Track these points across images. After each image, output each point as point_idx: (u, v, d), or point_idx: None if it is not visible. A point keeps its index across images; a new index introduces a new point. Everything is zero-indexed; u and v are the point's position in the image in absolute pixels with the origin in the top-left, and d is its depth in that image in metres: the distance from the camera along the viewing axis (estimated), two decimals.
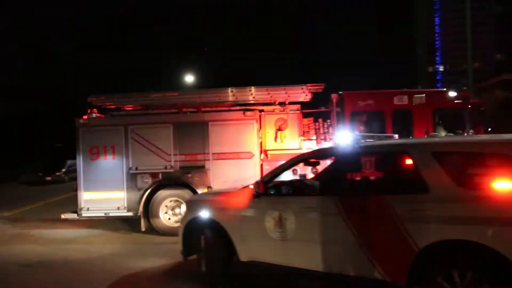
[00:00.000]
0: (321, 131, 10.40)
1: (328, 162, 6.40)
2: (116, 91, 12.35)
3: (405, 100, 10.12)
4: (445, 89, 10.53)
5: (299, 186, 5.91)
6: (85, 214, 10.17)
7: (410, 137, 9.63)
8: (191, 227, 6.43)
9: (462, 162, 4.49)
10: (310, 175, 6.91)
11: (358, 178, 5.35)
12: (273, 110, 10.46)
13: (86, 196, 10.20)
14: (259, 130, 10.16)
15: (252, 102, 10.89)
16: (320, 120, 10.56)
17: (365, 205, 4.83)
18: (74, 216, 10.39)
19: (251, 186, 5.92)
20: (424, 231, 4.29)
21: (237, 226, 5.83)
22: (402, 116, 10.05)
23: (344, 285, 4.94)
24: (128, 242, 9.55)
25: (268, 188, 5.66)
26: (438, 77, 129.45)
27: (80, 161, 10.26)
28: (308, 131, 10.53)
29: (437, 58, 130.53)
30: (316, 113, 10.92)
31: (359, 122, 10.17)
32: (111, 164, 10.13)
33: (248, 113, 10.16)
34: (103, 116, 10.78)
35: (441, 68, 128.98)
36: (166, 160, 10.04)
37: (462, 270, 4.07)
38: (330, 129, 10.31)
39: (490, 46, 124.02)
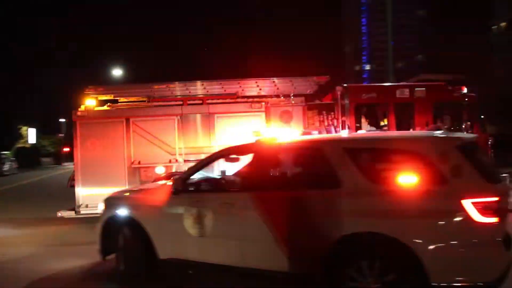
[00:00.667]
0: (325, 124, 10.34)
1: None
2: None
3: (406, 93, 10.29)
4: (444, 83, 10.79)
5: (218, 182, 5.93)
6: (83, 211, 9.62)
7: (411, 129, 9.99)
8: (109, 225, 6.23)
9: (372, 158, 4.67)
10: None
11: (275, 174, 5.55)
12: (279, 103, 10.43)
13: (84, 192, 9.64)
14: (266, 123, 10.00)
15: (254, 94, 10.83)
16: (323, 112, 10.60)
17: (280, 200, 4.88)
18: (71, 214, 9.79)
19: (170, 183, 5.84)
20: (336, 225, 4.40)
21: (156, 223, 5.70)
22: (403, 108, 10.39)
23: (260, 279, 4.97)
24: (46, 244, 8.91)
25: (187, 185, 5.63)
26: (364, 75, 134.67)
27: (78, 155, 9.70)
28: (313, 123, 10.51)
29: (364, 58, 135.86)
30: (319, 105, 10.97)
31: (362, 114, 10.49)
32: (111, 158, 9.74)
33: (256, 105, 10.09)
34: (102, 108, 10.39)
35: (367, 67, 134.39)
36: (170, 153, 9.82)
37: (371, 261, 4.22)
38: (334, 121, 10.23)
39: (413, 47, 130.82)
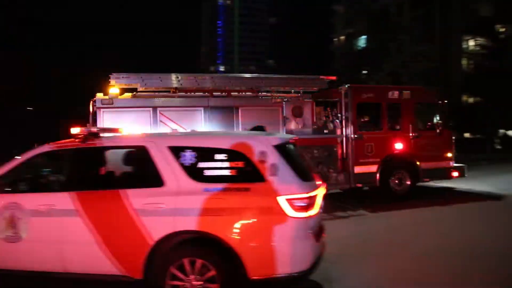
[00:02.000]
0: (331, 119, 11.56)
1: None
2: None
3: (396, 94, 11.72)
4: (425, 87, 12.78)
5: (39, 182, 5.60)
6: None
7: (398, 127, 11.69)
8: None
9: (196, 156, 4.59)
10: None
11: (99, 173, 5.50)
12: (291, 98, 11.15)
13: None
14: (282, 117, 10.77)
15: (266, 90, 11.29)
16: (328, 108, 11.70)
17: (102, 200, 4.68)
18: None
19: None
20: (158, 224, 4.39)
21: None
22: (393, 108, 11.73)
23: (80, 284, 4.77)
24: None
25: (2, 185, 5.07)
26: None
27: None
28: (320, 118, 11.54)
29: (218, 60, 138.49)
30: (326, 102, 11.84)
31: (363, 112, 11.70)
32: None
33: (276, 100, 10.83)
34: (127, 97, 10.25)
35: (222, 68, 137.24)
36: None
37: (193, 259, 4.32)
38: (339, 117, 11.35)
39: (264, 52, 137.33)
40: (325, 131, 11.36)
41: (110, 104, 9.63)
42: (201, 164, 4.58)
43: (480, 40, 48.68)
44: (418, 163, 11.47)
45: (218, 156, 4.59)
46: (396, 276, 5.69)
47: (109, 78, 9.95)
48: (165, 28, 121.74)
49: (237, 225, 4.28)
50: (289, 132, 10.44)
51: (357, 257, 6.42)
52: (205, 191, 4.36)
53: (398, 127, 11.73)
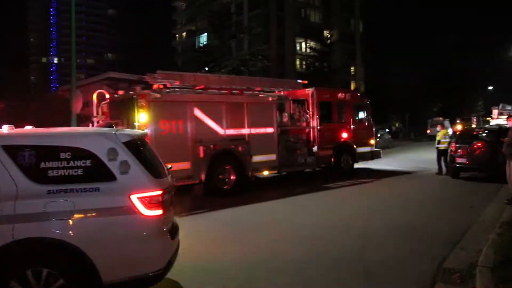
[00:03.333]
0: (304, 114, 14.51)
1: None
2: None
3: (342, 95, 15.63)
4: (357, 90, 18.17)
5: None
6: None
7: (352, 126, 15.59)
8: None
9: (36, 156, 4.15)
10: None
11: None
12: (280, 96, 13.91)
13: None
14: (275, 111, 13.33)
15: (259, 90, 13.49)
16: (301, 106, 14.58)
17: None
18: None
19: None
20: None
21: None
22: (341, 107, 15.48)
23: None
24: None
25: None
26: (52, 68, 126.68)
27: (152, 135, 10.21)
28: (295, 113, 14.36)
29: (52, 51, 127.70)
30: (298, 100, 14.68)
31: (322, 108, 14.75)
32: (178, 136, 10.98)
33: (273, 97, 13.45)
34: (171, 92, 11.44)
35: (55, 60, 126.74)
36: (219, 133, 11.88)
37: (37, 269, 3.89)
38: (308, 113, 14.54)
39: (104, 45, 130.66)
40: (297, 124, 14.27)
41: (159, 98, 10.75)
42: (44, 164, 4.12)
43: (311, 43, 53.30)
44: (355, 148, 15.43)
45: (62, 155, 4.16)
46: None
47: (145, 77, 11.08)
48: None
49: (87, 227, 3.99)
50: (282, 123, 13.54)
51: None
52: (48, 194, 3.97)
53: (343, 121, 15.42)
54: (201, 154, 11.13)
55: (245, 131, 12.40)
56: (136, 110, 10.59)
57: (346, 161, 15.20)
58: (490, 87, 76.73)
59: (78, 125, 14.19)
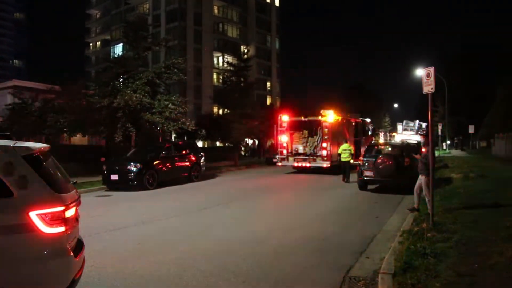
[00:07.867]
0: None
1: None
2: None
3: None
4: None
5: None
6: None
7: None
8: None
9: None
10: None
11: None
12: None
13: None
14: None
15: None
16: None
17: None
18: None
19: None
20: None
21: None
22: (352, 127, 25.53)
23: None
24: None
25: None
26: None
27: (328, 146, 21.88)
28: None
29: None
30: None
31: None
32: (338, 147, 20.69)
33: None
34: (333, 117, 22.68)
35: None
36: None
37: None
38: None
39: (10, 51, 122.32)
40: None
41: (331, 122, 22.14)
42: None
43: (228, 58, 53.70)
44: None
45: None
46: None
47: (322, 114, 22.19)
48: None
49: None
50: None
51: None
52: None
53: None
54: None
55: None
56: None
57: None
58: (395, 105, 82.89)
59: None
